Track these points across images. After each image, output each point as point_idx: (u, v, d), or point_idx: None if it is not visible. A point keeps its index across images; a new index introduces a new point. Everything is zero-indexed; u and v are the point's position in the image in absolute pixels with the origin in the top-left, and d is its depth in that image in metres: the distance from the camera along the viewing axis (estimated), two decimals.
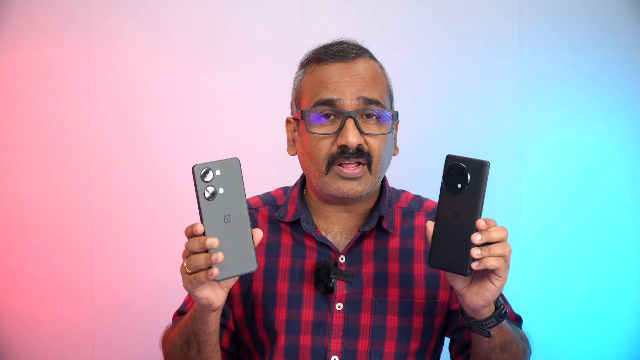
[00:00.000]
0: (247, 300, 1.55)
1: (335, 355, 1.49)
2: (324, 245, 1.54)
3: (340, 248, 1.54)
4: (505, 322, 1.41)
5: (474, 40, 2.22)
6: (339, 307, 1.50)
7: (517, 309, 1.65)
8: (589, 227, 2.19)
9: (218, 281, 1.26)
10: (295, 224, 1.57)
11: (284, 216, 1.57)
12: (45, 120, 2.24)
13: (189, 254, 1.24)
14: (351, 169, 1.46)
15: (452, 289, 1.54)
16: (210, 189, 1.23)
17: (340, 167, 1.46)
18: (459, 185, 1.27)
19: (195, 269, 1.23)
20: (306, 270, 1.53)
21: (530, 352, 1.52)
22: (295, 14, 2.23)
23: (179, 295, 1.72)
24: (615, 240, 2.18)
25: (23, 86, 2.24)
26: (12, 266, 2.25)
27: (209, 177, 1.23)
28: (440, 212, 1.29)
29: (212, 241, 1.21)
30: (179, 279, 1.72)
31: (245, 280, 1.55)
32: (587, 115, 2.20)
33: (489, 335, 1.35)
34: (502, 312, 1.35)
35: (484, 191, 1.26)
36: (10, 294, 2.24)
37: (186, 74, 2.24)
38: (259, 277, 1.54)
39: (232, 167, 1.24)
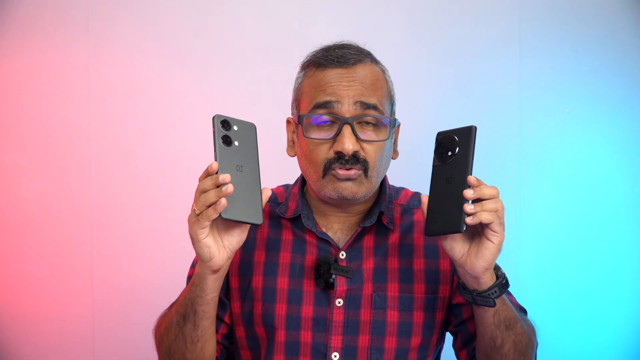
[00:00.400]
0: (245, 295, 1.55)
1: (336, 351, 1.49)
2: (324, 241, 1.54)
3: (341, 244, 1.54)
4: (507, 300, 1.41)
5: (474, 40, 2.22)
6: (339, 303, 1.50)
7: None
8: (589, 227, 2.19)
9: (224, 219, 1.28)
10: (295, 220, 1.57)
11: (284, 212, 1.58)
12: (46, 120, 2.24)
13: (200, 194, 1.28)
14: (346, 170, 1.46)
15: (452, 283, 1.54)
16: (227, 138, 1.30)
17: (336, 171, 1.46)
18: (450, 153, 1.34)
19: (203, 207, 1.26)
20: (306, 266, 1.53)
21: (537, 343, 1.51)
22: (295, 14, 2.23)
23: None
24: (615, 239, 2.18)
25: (23, 87, 2.24)
26: (12, 266, 2.24)
27: (227, 127, 1.30)
28: (433, 182, 1.35)
29: (225, 176, 1.25)
30: (179, 278, 1.72)
31: (244, 274, 1.55)
32: (587, 115, 2.20)
33: (494, 304, 1.36)
34: (504, 281, 1.36)
35: (473, 152, 1.31)
36: (10, 293, 2.24)
37: (186, 74, 2.24)
38: (259, 272, 1.54)
39: (249, 129, 1.33)
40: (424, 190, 1.70)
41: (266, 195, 1.32)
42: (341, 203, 1.52)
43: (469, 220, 1.27)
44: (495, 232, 1.29)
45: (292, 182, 1.68)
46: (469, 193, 1.28)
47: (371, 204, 1.57)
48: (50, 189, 2.24)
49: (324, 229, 1.55)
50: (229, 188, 1.24)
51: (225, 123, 1.31)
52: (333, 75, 1.49)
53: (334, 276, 1.50)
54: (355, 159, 1.45)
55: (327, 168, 1.47)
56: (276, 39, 2.23)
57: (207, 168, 1.28)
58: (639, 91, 2.19)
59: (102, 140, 2.24)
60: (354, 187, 1.47)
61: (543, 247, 2.20)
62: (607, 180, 2.19)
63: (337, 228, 1.56)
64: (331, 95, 1.47)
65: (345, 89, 1.47)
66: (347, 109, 1.46)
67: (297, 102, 1.55)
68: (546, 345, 2.14)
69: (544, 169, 2.21)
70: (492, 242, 1.30)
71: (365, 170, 1.47)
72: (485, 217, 1.27)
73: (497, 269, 1.37)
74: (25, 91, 2.24)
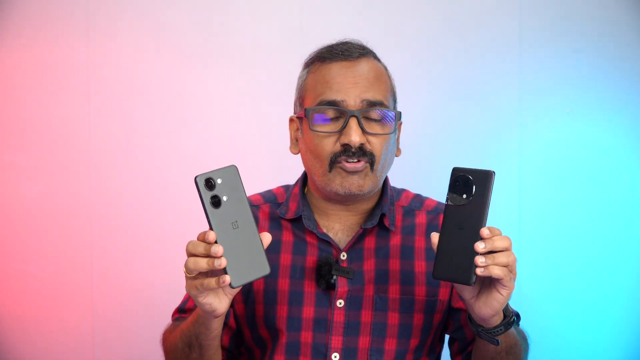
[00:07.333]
0: (247, 297, 1.55)
1: (336, 352, 1.49)
2: (325, 242, 1.54)
3: (342, 245, 1.54)
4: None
5: (474, 40, 2.22)
6: (340, 303, 1.50)
7: (517, 306, 1.65)
8: (589, 227, 2.19)
9: (233, 287, 1.23)
10: (296, 221, 1.57)
11: (285, 213, 1.57)
12: (45, 120, 2.24)
13: (189, 256, 1.23)
14: (353, 163, 1.46)
15: (452, 287, 1.54)
16: (215, 198, 1.23)
17: (342, 164, 1.46)
18: (464, 196, 1.28)
19: (194, 272, 1.22)
20: (307, 267, 1.53)
21: (528, 347, 1.52)
22: (295, 13, 2.23)
23: (179, 296, 1.71)
24: (615, 239, 2.18)
25: (23, 86, 2.24)
26: (12, 267, 2.24)
27: (211, 186, 1.23)
28: (445, 224, 1.29)
29: (217, 249, 1.19)
30: (178, 279, 1.72)
31: None
32: (587, 115, 2.20)
33: (498, 344, 1.35)
34: (511, 320, 1.35)
35: (489, 201, 1.27)
36: (10, 294, 2.24)
37: (186, 73, 2.24)
38: None
39: (231, 174, 1.25)
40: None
41: (266, 241, 1.26)
42: (347, 199, 1.52)
43: (479, 272, 1.23)
44: (505, 286, 1.26)
45: (291, 182, 1.68)
46: (480, 247, 1.24)
47: (373, 204, 1.57)
48: (50, 189, 2.24)
49: (324, 230, 1.55)
50: (223, 262, 1.19)
51: (209, 181, 1.23)
52: (338, 69, 1.49)
53: (335, 277, 1.50)
54: (362, 152, 1.46)
55: (334, 162, 1.47)
56: (276, 38, 2.23)
57: (205, 235, 1.21)
58: (639, 91, 2.19)
59: (102, 140, 2.24)
60: (360, 180, 1.47)
61: (543, 247, 2.20)
62: (607, 180, 2.19)
63: (338, 229, 1.56)
64: (337, 93, 1.47)
65: (350, 87, 1.47)
66: (353, 105, 1.47)
67: (301, 99, 1.55)
68: (546, 345, 2.15)
69: (544, 168, 2.21)
70: (501, 294, 1.27)
71: (372, 164, 1.47)
72: (496, 272, 1.23)
73: (505, 307, 1.34)
74: (25, 91, 2.24)
